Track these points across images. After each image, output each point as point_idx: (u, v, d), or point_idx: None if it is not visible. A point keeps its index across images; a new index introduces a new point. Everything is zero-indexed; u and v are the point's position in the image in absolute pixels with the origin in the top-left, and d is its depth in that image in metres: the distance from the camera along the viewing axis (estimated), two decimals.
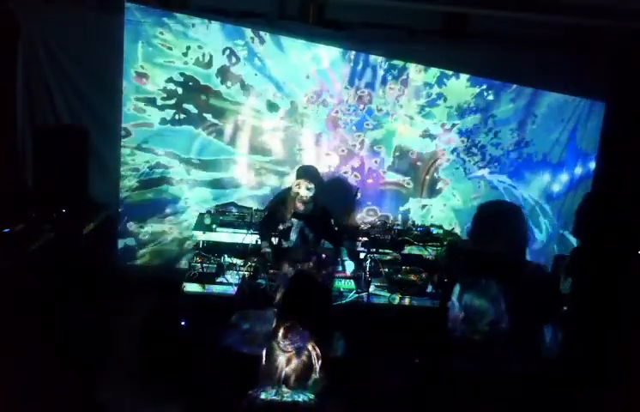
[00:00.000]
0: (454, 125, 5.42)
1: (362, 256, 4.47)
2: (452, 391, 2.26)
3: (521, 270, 2.84)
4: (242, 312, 2.77)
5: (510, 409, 2.31)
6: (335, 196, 5.20)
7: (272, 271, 4.02)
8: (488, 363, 2.33)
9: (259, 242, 4.42)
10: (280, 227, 4.26)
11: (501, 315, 2.38)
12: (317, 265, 2.92)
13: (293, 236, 4.26)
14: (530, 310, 2.62)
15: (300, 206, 4.27)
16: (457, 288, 2.49)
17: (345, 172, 5.45)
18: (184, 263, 5.17)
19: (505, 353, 2.38)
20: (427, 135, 5.43)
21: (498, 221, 2.91)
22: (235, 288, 3.93)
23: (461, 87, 5.34)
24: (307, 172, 4.39)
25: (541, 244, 5.67)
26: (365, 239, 4.77)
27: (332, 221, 4.42)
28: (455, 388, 2.26)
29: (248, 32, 5.08)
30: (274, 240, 4.28)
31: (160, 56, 5.04)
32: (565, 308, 3.14)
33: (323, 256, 3.01)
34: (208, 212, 4.93)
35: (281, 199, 4.50)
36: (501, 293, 2.41)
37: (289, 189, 4.42)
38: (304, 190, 4.25)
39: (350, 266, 4.23)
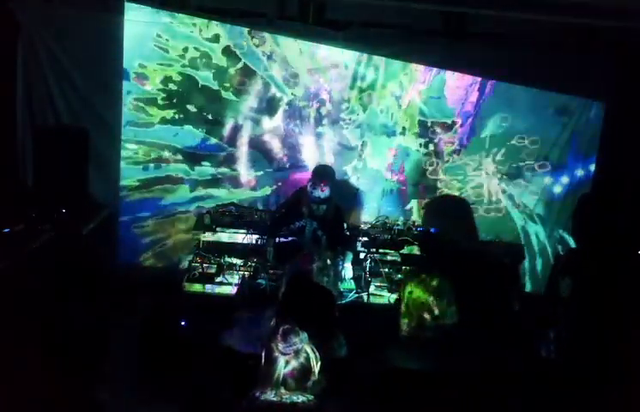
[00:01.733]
0: (454, 125, 5.42)
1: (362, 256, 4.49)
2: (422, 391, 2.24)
3: (472, 261, 2.82)
4: (242, 313, 2.77)
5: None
6: (339, 195, 5.21)
7: (272, 271, 4.03)
8: (443, 359, 2.30)
9: (263, 240, 4.41)
10: (293, 226, 4.28)
11: (446, 309, 2.34)
12: (320, 267, 2.91)
13: (306, 236, 4.26)
14: (487, 304, 2.59)
15: (315, 206, 4.27)
16: (404, 284, 2.48)
17: (346, 173, 5.45)
18: (184, 264, 5.17)
19: (459, 348, 2.35)
20: (428, 134, 5.43)
21: (444, 214, 2.91)
22: (235, 288, 3.94)
23: (460, 86, 5.34)
24: (323, 172, 4.39)
25: (541, 245, 5.67)
26: (365, 239, 4.78)
27: (345, 225, 4.41)
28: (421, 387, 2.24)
29: (247, 32, 5.08)
30: (283, 239, 4.29)
31: (160, 56, 5.04)
32: (565, 308, 3.14)
33: (328, 261, 3.02)
34: (208, 212, 4.93)
35: (297, 198, 4.50)
36: (447, 287, 2.38)
37: (304, 188, 4.42)
38: (320, 191, 4.25)
39: (349, 272, 4.20)
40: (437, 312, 2.33)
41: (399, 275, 4.33)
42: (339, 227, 4.37)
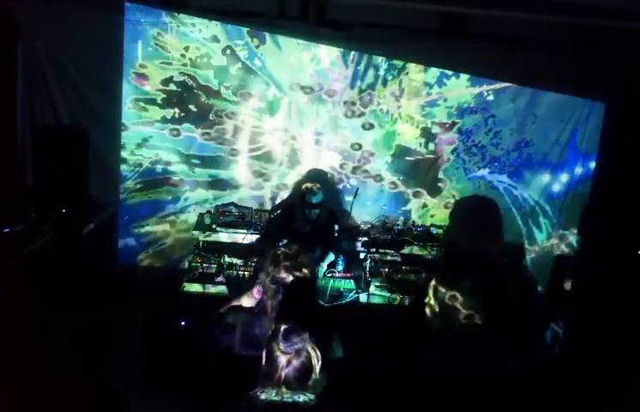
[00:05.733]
0: (454, 125, 5.43)
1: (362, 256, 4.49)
2: (431, 388, 2.24)
3: (498, 265, 2.82)
4: (239, 313, 2.76)
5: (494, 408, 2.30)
6: (334, 195, 5.22)
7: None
8: (466, 359, 2.30)
9: (262, 241, 4.43)
10: (288, 229, 4.29)
11: (476, 310, 2.36)
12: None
13: (298, 238, 4.27)
14: (507, 306, 2.59)
15: (308, 209, 4.29)
16: (433, 283, 2.48)
17: (345, 172, 5.45)
18: (184, 264, 5.18)
19: (483, 349, 2.35)
20: (427, 135, 5.43)
21: (473, 215, 2.90)
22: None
23: (461, 86, 5.34)
24: (315, 175, 4.42)
25: (541, 243, 5.68)
26: (365, 238, 4.78)
27: (336, 226, 4.41)
28: (432, 385, 2.24)
29: (247, 32, 5.09)
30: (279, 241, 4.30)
31: (160, 56, 5.04)
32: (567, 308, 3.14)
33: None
34: (208, 212, 4.94)
35: (290, 201, 4.52)
36: (477, 288, 2.39)
37: (298, 190, 4.45)
38: (312, 195, 4.27)
39: (322, 272, 4.19)
40: (467, 311, 2.34)
41: (399, 275, 4.34)
42: (330, 230, 4.39)
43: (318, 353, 1.94)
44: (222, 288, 3.99)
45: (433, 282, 2.46)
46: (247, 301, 2.75)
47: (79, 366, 3.60)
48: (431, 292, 2.45)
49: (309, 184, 4.35)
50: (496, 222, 2.83)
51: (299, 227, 4.33)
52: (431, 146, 5.45)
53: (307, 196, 4.30)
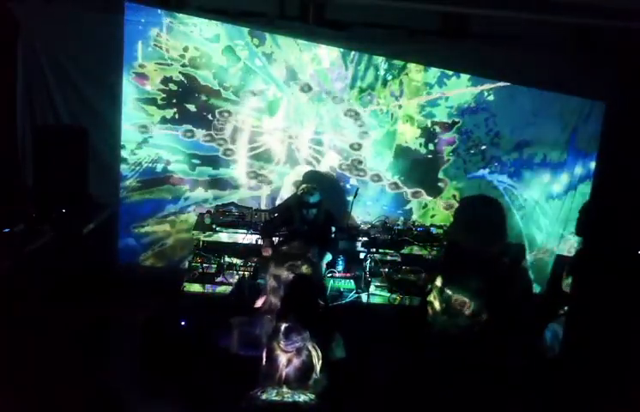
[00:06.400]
0: (454, 124, 5.42)
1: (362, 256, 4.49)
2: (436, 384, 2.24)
3: (498, 265, 2.81)
4: (240, 315, 2.76)
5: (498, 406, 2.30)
6: (334, 196, 5.22)
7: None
8: (467, 358, 2.31)
9: (260, 242, 4.44)
10: (285, 231, 4.30)
11: (478, 309, 2.36)
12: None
13: (297, 239, 4.28)
14: (507, 306, 2.59)
15: (305, 211, 4.30)
16: (435, 282, 2.48)
17: (345, 172, 5.45)
18: (184, 264, 5.18)
19: (484, 348, 2.35)
20: (427, 135, 5.42)
21: (475, 214, 2.89)
22: (232, 288, 3.94)
23: (461, 86, 5.34)
24: (313, 177, 4.44)
25: (541, 244, 5.67)
26: (365, 238, 4.78)
27: (333, 228, 4.42)
28: (436, 381, 2.25)
29: (248, 32, 5.09)
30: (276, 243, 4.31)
31: (160, 55, 5.04)
32: (566, 307, 3.13)
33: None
34: (208, 212, 4.94)
35: (288, 203, 4.54)
36: (481, 286, 2.39)
37: (296, 193, 4.47)
38: (309, 195, 4.29)
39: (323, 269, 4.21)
40: (469, 310, 2.34)
41: (399, 275, 4.34)
42: (327, 230, 4.40)
43: (319, 352, 1.94)
44: (222, 288, 3.99)
45: (435, 282, 2.46)
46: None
47: (79, 366, 3.59)
48: (433, 291, 2.44)
49: (306, 185, 4.37)
50: (498, 222, 2.83)
51: (297, 228, 4.34)
52: (431, 146, 5.45)
53: (305, 196, 4.31)
